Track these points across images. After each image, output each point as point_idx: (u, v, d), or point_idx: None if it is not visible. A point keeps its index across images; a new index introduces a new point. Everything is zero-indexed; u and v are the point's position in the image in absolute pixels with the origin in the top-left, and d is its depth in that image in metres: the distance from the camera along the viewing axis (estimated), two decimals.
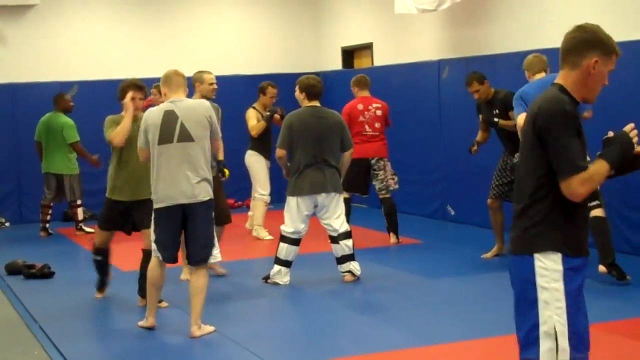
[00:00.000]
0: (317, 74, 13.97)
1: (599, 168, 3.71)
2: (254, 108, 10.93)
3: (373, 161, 10.30)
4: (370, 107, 10.37)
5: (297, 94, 8.51)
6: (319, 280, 8.65)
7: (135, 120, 7.41)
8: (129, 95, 7.47)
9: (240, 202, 13.77)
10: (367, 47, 14.61)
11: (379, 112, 10.41)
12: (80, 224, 12.21)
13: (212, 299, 7.47)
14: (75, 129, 11.89)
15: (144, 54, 14.27)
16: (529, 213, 3.77)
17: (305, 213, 8.34)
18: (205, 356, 6.49)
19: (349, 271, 8.46)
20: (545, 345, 3.73)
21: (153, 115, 6.69)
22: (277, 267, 8.42)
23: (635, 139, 3.76)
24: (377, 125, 10.36)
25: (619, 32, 9.26)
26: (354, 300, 8.05)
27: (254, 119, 10.80)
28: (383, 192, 10.36)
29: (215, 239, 6.82)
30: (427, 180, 12.49)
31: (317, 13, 15.63)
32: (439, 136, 12.18)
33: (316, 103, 8.47)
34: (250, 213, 11.46)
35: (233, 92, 13.14)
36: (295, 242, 8.36)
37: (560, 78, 3.83)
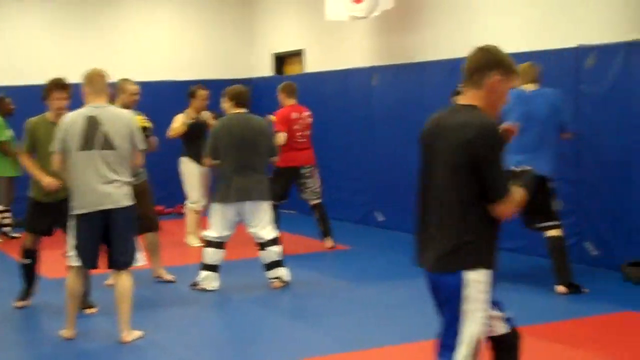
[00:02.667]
0: (247, 80, 14.00)
1: (518, 193, 3.98)
2: (185, 113, 10.85)
3: (303, 169, 10.32)
4: (302, 115, 10.39)
5: (225, 102, 8.52)
6: (248, 286, 8.63)
7: (56, 123, 7.32)
8: (53, 98, 7.39)
9: (170, 209, 13.67)
10: (298, 54, 14.64)
11: (309, 120, 10.44)
12: (5, 229, 11.95)
13: (140, 305, 7.42)
14: (2, 128, 11.60)
15: (72, 58, 14.05)
16: (456, 231, 3.91)
17: (231, 220, 8.33)
18: None
19: (278, 277, 8.46)
20: (463, 352, 3.92)
21: (73, 121, 6.59)
22: (204, 273, 8.40)
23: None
24: (307, 133, 10.38)
25: (544, 41, 9.48)
26: (283, 306, 8.06)
27: (177, 122, 10.70)
28: (314, 198, 10.39)
29: (137, 243, 6.79)
30: (357, 186, 12.54)
31: (248, 19, 15.61)
32: (369, 143, 12.24)
33: (243, 110, 8.46)
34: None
35: (163, 98, 13.06)
36: (219, 245, 8.35)
37: (470, 99, 3.97)
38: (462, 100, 4.01)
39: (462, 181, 3.87)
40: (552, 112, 7.94)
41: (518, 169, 7.33)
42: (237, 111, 8.45)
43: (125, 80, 8.66)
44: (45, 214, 7.59)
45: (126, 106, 8.30)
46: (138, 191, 8.45)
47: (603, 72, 8.76)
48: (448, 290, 3.95)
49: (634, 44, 8.51)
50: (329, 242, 10.47)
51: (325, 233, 10.51)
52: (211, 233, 8.36)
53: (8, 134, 11.66)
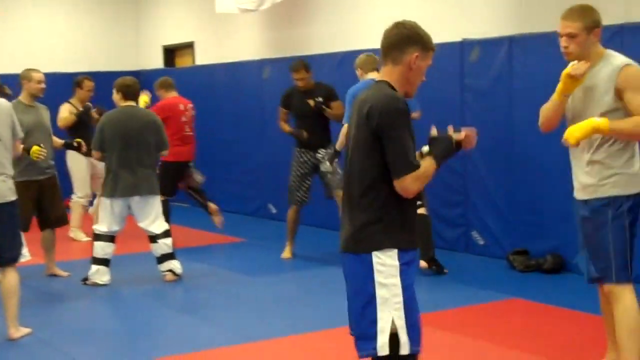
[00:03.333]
0: (138, 72, 13.88)
1: (428, 166, 3.82)
2: (70, 103, 10.67)
3: (190, 163, 10.25)
4: (187, 107, 10.29)
5: (114, 95, 8.44)
6: (140, 280, 8.59)
7: None
8: None
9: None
10: (189, 46, 14.58)
11: (193, 113, 10.35)
12: None
13: (31, 301, 7.33)
14: None
15: None
16: (363, 211, 3.79)
17: (119, 215, 8.28)
18: (20, 357, 6.32)
19: (170, 270, 8.45)
20: (383, 339, 3.76)
21: None
22: (95, 267, 8.32)
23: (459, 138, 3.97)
24: (192, 125, 10.30)
25: (433, 36, 9.65)
26: (175, 300, 8.05)
27: (65, 112, 10.53)
28: (193, 185, 10.29)
29: (23, 238, 6.67)
30: (249, 179, 12.56)
31: (138, 11, 15.48)
32: (260, 135, 12.28)
33: (132, 103, 8.41)
34: (91, 210, 11.01)
35: (52, 90, 12.80)
36: (110, 239, 8.29)
37: (384, 74, 3.89)
38: (378, 76, 3.96)
39: (367, 158, 3.78)
40: None
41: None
42: (126, 104, 8.38)
43: (30, 69, 8.54)
44: None
45: (33, 94, 8.31)
46: (49, 185, 8.39)
47: (487, 65, 8.97)
48: (356, 272, 3.83)
49: (517, 38, 8.74)
50: (212, 205, 10.34)
51: (205, 203, 10.33)
52: (101, 227, 8.29)
53: None
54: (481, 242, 9.22)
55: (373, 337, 3.78)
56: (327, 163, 8.92)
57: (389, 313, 3.76)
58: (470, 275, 8.39)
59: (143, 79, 14.54)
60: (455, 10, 9.70)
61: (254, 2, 11.52)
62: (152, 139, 8.31)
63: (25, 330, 6.66)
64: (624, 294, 4.82)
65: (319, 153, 9.22)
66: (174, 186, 10.10)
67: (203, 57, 14.09)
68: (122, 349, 6.53)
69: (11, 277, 6.56)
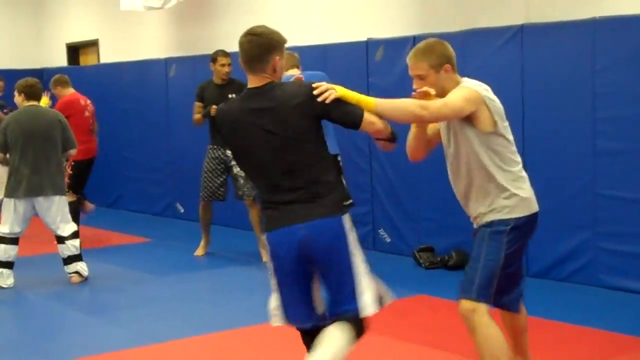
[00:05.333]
0: (40, 70, 13.67)
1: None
2: None
3: (92, 160, 10.15)
4: (88, 103, 10.18)
5: (16, 97, 8.33)
6: (45, 282, 8.48)
7: None
8: None
9: None
10: (93, 44, 14.42)
11: (93, 108, 10.25)
12: None
13: None
14: None
15: None
16: (326, 185, 4.16)
17: (23, 215, 8.15)
18: None
19: (77, 272, 8.35)
20: (367, 298, 4.23)
21: None
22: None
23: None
24: (94, 121, 10.20)
25: (336, 35, 9.74)
26: (82, 301, 7.97)
27: None
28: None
29: None
30: (155, 178, 12.49)
31: (39, 7, 15.24)
32: (166, 133, 12.21)
33: (34, 103, 8.30)
34: None
35: None
36: (13, 241, 8.16)
37: (260, 81, 4.17)
38: (254, 83, 4.18)
39: (318, 140, 4.25)
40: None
41: None
42: (29, 104, 8.27)
43: None
44: None
45: None
46: None
47: (391, 64, 9.08)
48: (329, 233, 4.13)
49: (420, 37, 8.86)
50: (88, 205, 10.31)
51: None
52: (3, 229, 8.16)
53: None
54: (388, 240, 9.33)
55: (361, 293, 4.28)
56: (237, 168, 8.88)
57: (363, 266, 4.31)
58: (377, 272, 8.44)
59: (47, 77, 14.31)
60: (360, 12, 9.79)
61: (159, 0, 11.45)
62: (58, 138, 8.21)
63: None
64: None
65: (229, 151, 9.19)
66: (84, 184, 10.01)
67: (108, 55, 13.95)
68: (26, 353, 6.43)
69: None
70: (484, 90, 4.54)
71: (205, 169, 9.30)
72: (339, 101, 4.15)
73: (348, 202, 4.50)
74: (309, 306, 4.33)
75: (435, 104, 4.39)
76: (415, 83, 4.66)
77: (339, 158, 8.09)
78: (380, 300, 4.32)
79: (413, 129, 4.86)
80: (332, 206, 4.16)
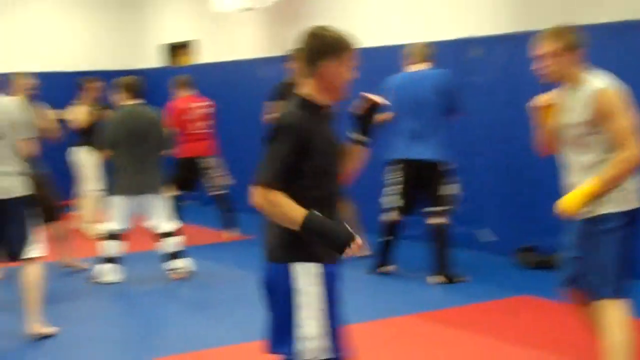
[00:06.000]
0: (138, 71, 13.81)
1: (291, 210, 3.60)
2: (79, 104, 10.67)
3: (201, 160, 10.27)
4: (197, 105, 10.34)
5: (118, 94, 8.44)
6: (148, 278, 8.57)
7: None
8: None
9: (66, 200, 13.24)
10: (189, 45, 14.55)
11: (206, 110, 10.41)
12: None
13: (44, 299, 7.27)
14: None
15: None
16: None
17: (127, 212, 8.28)
18: (34, 357, 6.29)
19: (178, 268, 8.42)
20: (300, 346, 3.70)
21: None
22: (102, 266, 8.32)
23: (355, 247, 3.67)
24: (202, 124, 10.34)
25: (426, 33, 9.64)
26: (183, 298, 8.02)
27: (81, 113, 10.51)
28: (213, 189, 10.36)
29: (37, 235, 6.62)
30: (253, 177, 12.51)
31: (138, 9, 15.44)
32: (259, 133, 12.21)
33: (136, 102, 8.40)
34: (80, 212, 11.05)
35: (54, 90, 12.79)
36: (118, 237, 8.29)
37: (302, 86, 3.76)
38: (298, 89, 3.82)
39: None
40: (439, 94, 7.79)
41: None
42: (131, 102, 8.37)
43: (19, 74, 8.61)
44: None
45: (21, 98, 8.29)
46: (37, 181, 8.38)
47: (485, 63, 8.94)
48: (275, 279, 3.75)
49: (515, 35, 8.70)
50: (229, 233, 10.41)
51: (226, 224, 10.46)
52: (110, 225, 8.28)
53: None
54: (488, 239, 9.19)
55: (290, 341, 3.76)
56: None
57: (307, 320, 3.70)
58: (478, 272, 8.35)
59: (144, 78, 14.53)
60: (451, 9, 9.69)
61: (253, 0, 11.50)
62: (157, 136, 8.30)
63: (48, 330, 6.60)
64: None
65: None
66: (183, 182, 10.14)
67: (202, 55, 14.06)
68: (131, 347, 6.54)
69: (29, 271, 6.53)
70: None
71: None
72: None
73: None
74: None
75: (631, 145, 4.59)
76: (539, 63, 4.71)
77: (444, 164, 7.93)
78: None
79: (546, 123, 4.88)
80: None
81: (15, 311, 6.79)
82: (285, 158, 3.60)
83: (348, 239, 3.59)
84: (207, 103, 10.47)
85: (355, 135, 3.86)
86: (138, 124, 8.25)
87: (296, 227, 3.58)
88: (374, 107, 3.89)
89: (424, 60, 7.98)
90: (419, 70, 7.91)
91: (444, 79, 7.86)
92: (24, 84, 8.54)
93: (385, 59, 9.27)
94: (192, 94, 10.48)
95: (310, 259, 3.68)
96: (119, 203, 8.24)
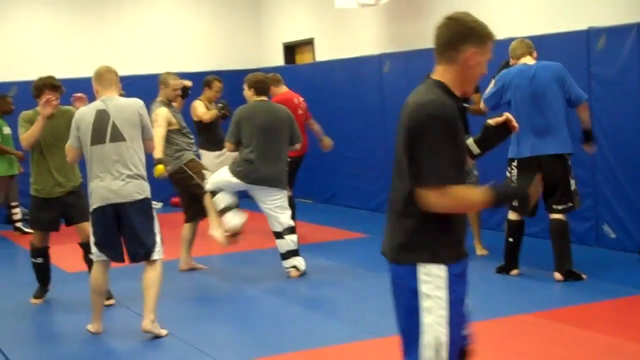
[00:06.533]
0: (259, 70, 13.98)
1: (472, 194, 3.52)
2: (200, 100, 10.80)
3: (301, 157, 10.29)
4: (300, 101, 10.34)
5: (246, 91, 8.55)
6: (264, 276, 8.65)
7: (51, 117, 7.41)
8: (44, 97, 7.41)
9: None
10: (309, 43, 14.63)
11: (305, 106, 10.39)
12: (17, 224, 12.08)
13: (160, 299, 7.41)
14: None
15: (83, 52, 14.13)
16: (404, 221, 3.59)
17: (238, 187, 8.34)
18: (153, 357, 6.43)
19: (294, 266, 8.47)
20: (426, 354, 3.54)
21: (85, 115, 6.58)
22: (228, 214, 8.40)
23: (535, 198, 3.65)
24: (303, 120, 10.35)
25: (553, 24, 9.45)
26: (300, 296, 8.06)
27: (202, 108, 10.65)
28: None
29: (158, 237, 6.72)
30: (371, 174, 12.53)
31: (257, 8, 15.61)
32: (381, 130, 12.23)
33: (264, 98, 8.50)
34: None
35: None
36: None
37: (438, 73, 3.61)
38: (433, 75, 3.64)
39: (404, 164, 3.52)
40: (559, 86, 7.66)
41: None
42: (259, 99, 8.47)
43: (169, 74, 8.86)
44: (48, 210, 7.65)
45: (169, 99, 8.70)
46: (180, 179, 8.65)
47: (614, 54, 8.71)
48: (399, 281, 3.63)
49: None
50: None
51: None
52: (211, 184, 8.41)
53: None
54: (612, 236, 8.96)
55: (415, 350, 3.60)
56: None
57: (433, 327, 3.54)
58: (601, 269, 8.15)
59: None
60: None
61: None
62: (286, 132, 8.40)
63: (160, 331, 6.69)
64: None
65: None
66: (292, 179, 10.19)
67: (323, 53, 14.12)
68: (249, 344, 6.58)
69: (151, 271, 6.65)
70: None
71: None
72: None
73: None
74: None
75: None
76: None
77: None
78: None
79: None
80: None
81: (134, 307, 6.90)
82: (448, 149, 3.42)
83: (528, 192, 3.60)
84: (302, 99, 10.42)
85: (471, 144, 3.77)
86: (269, 120, 8.34)
87: (490, 206, 3.53)
88: (506, 129, 3.81)
89: (530, 53, 7.84)
90: (532, 64, 7.75)
91: (560, 71, 7.70)
92: (172, 84, 8.76)
93: (503, 54, 9.14)
94: (287, 89, 10.42)
95: (436, 260, 3.54)
96: (234, 181, 8.29)
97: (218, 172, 8.48)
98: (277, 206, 8.39)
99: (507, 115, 3.83)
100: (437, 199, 3.42)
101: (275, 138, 8.32)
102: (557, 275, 7.74)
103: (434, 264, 3.53)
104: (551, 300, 7.23)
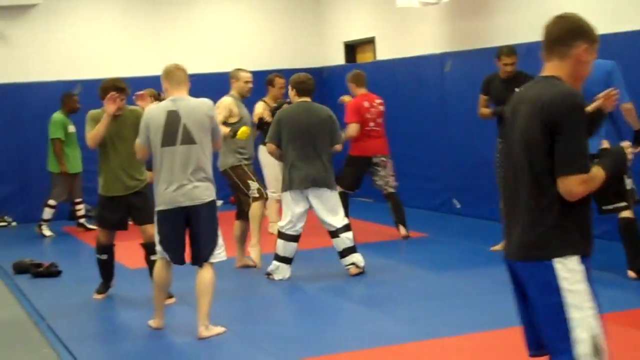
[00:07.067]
0: (319, 69, 14.03)
1: (597, 173, 3.61)
2: (264, 101, 10.85)
3: (375, 158, 10.27)
4: (374, 104, 10.35)
5: (290, 91, 8.59)
6: (322, 275, 8.66)
7: (117, 117, 7.53)
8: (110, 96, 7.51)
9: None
10: (370, 42, 14.60)
11: (381, 108, 10.40)
12: (81, 220, 12.26)
13: (217, 296, 7.46)
14: (58, 126, 11.86)
15: (145, 51, 14.26)
16: (538, 217, 3.61)
17: (300, 208, 8.36)
18: (213, 355, 6.47)
19: (353, 263, 8.46)
20: (581, 350, 3.56)
21: (155, 115, 6.60)
22: (275, 264, 8.44)
23: (629, 156, 3.75)
24: (379, 121, 10.34)
25: (623, 24, 9.31)
26: (358, 295, 8.06)
27: (259, 109, 10.72)
28: (387, 187, 10.34)
29: (221, 238, 6.76)
30: (432, 173, 12.48)
31: (319, 8, 15.62)
32: (442, 129, 12.18)
33: (307, 99, 8.51)
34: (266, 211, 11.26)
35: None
36: (292, 238, 8.37)
37: (552, 70, 3.73)
38: (544, 72, 3.76)
39: (539, 158, 3.59)
40: (606, 84, 7.30)
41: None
42: (301, 99, 8.49)
43: (238, 69, 9.04)
44: (114, 209, 7.74)
45: (241, 94, 8.90)
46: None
47: None
48: (534, 280, 3.64)
49: None
50: (402, 231, 10.40)
51: (398, 222, 10.43)
52: (283, 223, 8.41)
53: (60, 132, 11.84)
54: None
55: (568, 347, 3.58)
56: None
57: (584, 320, 3.57)
58: None
59: (325, 75, 14.70)
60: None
61: None
62: (328, 133, 8.38)
63: (218, 330, 6.73)
64: None
65: None
66: (355, 180, 10.17)
67: (384, 52, 14.09)
68: (307, 342, 6.60)
69: (206, 274, 6.66)
70: None
71: (497, 164, 9.13)
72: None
73: None
74: None
75: None
76: None
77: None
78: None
79: None
80: None
81: (195, 303, 6.92)
82: (586, 137, 3.57)
83: (625, 156, 3.73)
84: (380, 101, 10.44)
85: None
86: (306, 120, 8.33)
87: (606, 179, 3.62)
88: (601, 115, 3.97)
89: None
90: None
91: (610, 68, 7.60)
92: (243, 77, 8.98)
93: None
94: (366, 91, 10.45)
95: (574, 253, 3.59)
96: (290, 199, 8.35)
97: (282, 205, 8.53)
98: (327, 207, 8.38)
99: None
100: (583, 185, 3.54)
101: (315, 139, 8.31)
102: (631, 274, 7.66)
103: (571, 258, 3.58)
104: (622, 301, 7.05)
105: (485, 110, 9.22)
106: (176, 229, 6.64)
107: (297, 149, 8.30)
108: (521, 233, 3.68)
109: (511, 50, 9.00)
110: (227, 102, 8.90)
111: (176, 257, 6.73)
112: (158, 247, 6.74)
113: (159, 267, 6.82)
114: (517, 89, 8.59)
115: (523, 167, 3.66)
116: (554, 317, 3.60)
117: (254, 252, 9.02)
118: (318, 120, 8.37)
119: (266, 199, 9.06)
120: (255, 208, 8.79)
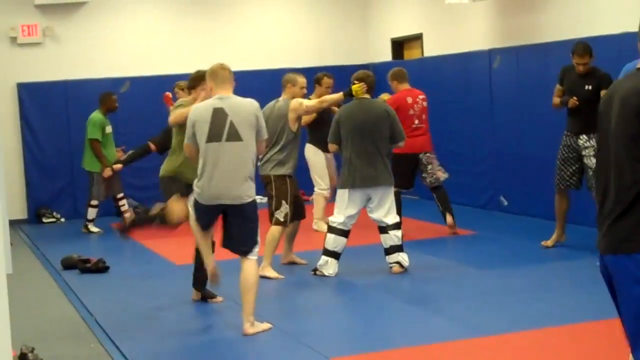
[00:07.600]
0: (366, 65, 13.97)
1: None
2: (309, 99, 10.83)
3: (421, 156, 10.22)
4: (417, 100, 10.28)
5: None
6: (368, 271, 8.64)
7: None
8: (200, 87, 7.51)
9: (307, 197, 13.38)
10: (417, 38, 14.54)
11: (424, 104, 10.33)
12: (126, 215, 12.35)
13: (264, 293, 7.47)
14: (97, 126, 11.92)
15: (193, 49, 14.31)
16: (629, 208, 3.50)
17: (355, 206, 8.35)
18: (259, 352, 6.47)
19: (397, 262, 8.44)
20: None
21: (201, 112, 6.63)
22: (324, 258, 8.43)
23: None
24: (423, 117, 10.28)
25: None
26: (404, 292, 8.03)
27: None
28: (434, 183, 10.29)
29: (259, 237, 6.76)
30: (479, 170, 12.40)
31: (366, 4, 15.59)
32: (490, 126, 12.09)
33: (366, 96, 8.49)
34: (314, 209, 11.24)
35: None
36: (343, 233, 8.37)
37: None
38: None
39: (632, 150, 3.49)
40: None
41: None
42: (361, 97, 8.47)
43: (296, 74, 8.92)
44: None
45: (294, 98, 8.68)
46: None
47: None
48: (626, 273, 3.54)
49: None
50: (449, 219, 10.31)
51: (445, 210, 10.32)
52: (335, 219, 8.40)
53: (98, 133, 11.89)
54: None
55: None
56: (593, 159, 8.52)
57: None
58: None
59: (372, 72, 14.65)
60: None
61: None
62: (386, 130, 8.35)
63: (264, 326, 6.73)
64: None
65: (580, 139, 8.88)
66: (405, 179, 10.10)
67: (431, 48, 14.01)
68: (353, 339, 6.61)
69: (249, 269, 6.66)
70: None
71: (559, 157, 9.05)
72: None
73: None
74: None
75: None
76: None
77: None
78: None
79: None
80: None
81: (240, 299, 6.92)
82: None
83: None
84: (424, 96, 10.36)
85: None
86: (367, 118, 8.32)
87: None
88: None
89: None
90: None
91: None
92: (300, 82, 8.83)
93: (612, 49, 8.96)
94: (409, 86, 10.38)
95: None
96: (347, 196, 8.33)
97: (336, 201, 8.50)
98: (383, 204, 8.36)
99: None
100: None
101: (372, 136, 8.29)
102: None
103: None
104: None
105: (557, 100, 9.12)
106: (212, 219, 6.81)
107: (355, 146, 8.29)
108: (610, 225, 3.58)
109: (583, 50, 8.79)
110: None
111: (204, 226, 6.86)
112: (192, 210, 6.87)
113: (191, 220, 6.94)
114: (588, 87, 8.63)
115: (617, 159, 3.56)
116: (637, 311, 3.52)
117: (266, 273, 8.65)
118: (377, 117, 8.36)
119: (287, 227, 8.84)
120: (274, 231, 8.57)
